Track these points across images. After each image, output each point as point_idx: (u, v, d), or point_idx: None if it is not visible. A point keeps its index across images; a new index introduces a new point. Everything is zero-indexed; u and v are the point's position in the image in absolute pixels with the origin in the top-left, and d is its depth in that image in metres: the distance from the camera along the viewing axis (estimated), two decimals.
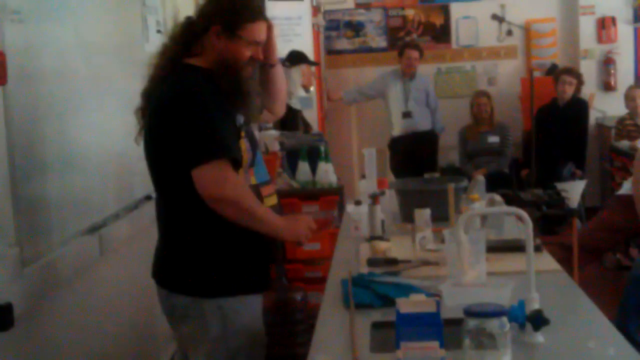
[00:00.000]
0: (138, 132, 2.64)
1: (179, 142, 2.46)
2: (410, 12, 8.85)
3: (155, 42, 4.26)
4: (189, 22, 2.66)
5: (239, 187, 2.49)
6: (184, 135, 2.45)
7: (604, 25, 8.43)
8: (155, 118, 2.53)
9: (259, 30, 2.61)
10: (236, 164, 2.52)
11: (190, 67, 2.58)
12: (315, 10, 7.98)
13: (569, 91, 7.64)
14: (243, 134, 2.62)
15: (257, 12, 2.62)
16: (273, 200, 2.79)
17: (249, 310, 2.64)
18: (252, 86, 2.66)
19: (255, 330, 2.67)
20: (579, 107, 7.81)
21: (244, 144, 2.61)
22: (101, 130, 3.41)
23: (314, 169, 5.07)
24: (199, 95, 2.49)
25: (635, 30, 8.49)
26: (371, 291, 2.51)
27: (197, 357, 2.65)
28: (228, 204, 2.46)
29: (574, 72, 7.80)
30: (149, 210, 3.87)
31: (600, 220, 5.30)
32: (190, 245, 2.58)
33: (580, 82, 7.71)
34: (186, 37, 2.61)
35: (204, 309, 2.57)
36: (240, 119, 2.61)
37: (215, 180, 2.42)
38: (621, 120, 7.65)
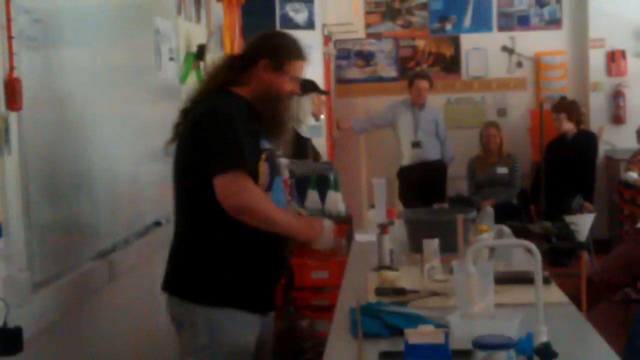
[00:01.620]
0: (168, 142, 2.87)
1: (201, 153, 2.67)
2: (420, 43, 8.90)
3: (168, 70, 4.31)
4: (234, 56, 2.97)
5: (256, 196, 2.67)
6: (206, 146, 2.68)
7: (614, 58, 8.45)
8: (186, 131, 2.76)
9: (301, 68, 2.89)
10: (253, 178, 2.68)
11: (230, 93, 2.81)
12: (326, 39, 8.03)
13: (564, 126, 7.66)
14: (264, 156, 2.76)
15: (301, 52, 2.90)
16: None
17: (239, 326, 2.74)
18: (287, 117, 2.91)
19: (243, 347, 2.75)
20: (587, 139, 7.82)
21: (263, 167, 2.76)
22: (113, 156, 3.43)
23: (323, 198, 5.08)
24: (226, 113, 2.72)
25: None
26: (379, 320, 2.52)
27: None
28: (246, 211, 2.64)
29: (557, 107, 7.80)
30: (159, 236, 3.89)
31: (618, 254, 5.25)
32: (195, 252, 2.77)
33: (571, 115, 7.71)
34: (231, 68, 2.86)
35: (196, 318, 2.72)
36: (265, 144, 2.80)
37: (233, 189, 2.63)
38: (633, 156, 7.64)
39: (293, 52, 2.87)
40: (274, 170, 2.85)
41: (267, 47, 2.85)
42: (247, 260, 2.75)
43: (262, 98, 2.82)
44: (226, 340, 2.71)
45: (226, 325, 2.71)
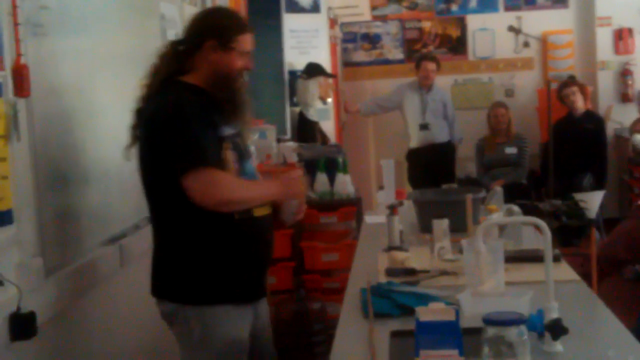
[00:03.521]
0: (126, 147, 2.78)
1: (160, 155, 2.61)
2: (426, 24, 8.87)
3: None
4: (176, 42, 2.83)
5: (226, 186, 2.61)
6: (164, 149, 2.60)
7: (621, 36, 8.41)
8: (142, 133, 2.70)
9: (249, 41, 2.77)
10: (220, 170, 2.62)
11: (179, 83, 2.71)
12: (332, 22, 8.02)
13: (579, 100, 7.61)
14: (229, 145, 2.69)
15: (245, 24, 2.80)
16: (265, 210, 2.78)
17: (231, 320, 2.72)
18: (246, 96, 2.79)
19: (237, 340, 2.73)
20: (595, 121, 7.77)
21: (230, 155, 2.69)
22: (121, 141, 3.43)
23: (332, 180, 5.09)
24: (177, 109, 2.62)
25: None
26: (390, 300, 2.53)
27: None
28: (223, 204, 2.60)
29: (570, 82, 7.76)
30: None
31: (621, 231, 5.24)
32: (175, 254, 2.72)
33: (582, 88, 7.69)
34: (177, 56, 2.75)
35: (188, 315, 2.69)
36: (224, 131, 2.69)
37: (202, 188, 2.55)
38: (636, 122, 7.62)
39: (237, 26, 2.75)
40: (242, 156, 2.76)
41: (209, 27, 2.74)
42: (229, 253, 2.70)
43: (215, 81, 2.71)
44: (220, 336, 2.69)
45: (219, 321, 2.68)
